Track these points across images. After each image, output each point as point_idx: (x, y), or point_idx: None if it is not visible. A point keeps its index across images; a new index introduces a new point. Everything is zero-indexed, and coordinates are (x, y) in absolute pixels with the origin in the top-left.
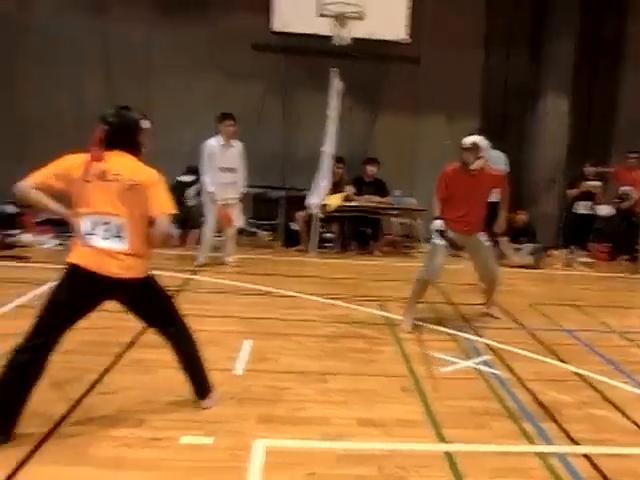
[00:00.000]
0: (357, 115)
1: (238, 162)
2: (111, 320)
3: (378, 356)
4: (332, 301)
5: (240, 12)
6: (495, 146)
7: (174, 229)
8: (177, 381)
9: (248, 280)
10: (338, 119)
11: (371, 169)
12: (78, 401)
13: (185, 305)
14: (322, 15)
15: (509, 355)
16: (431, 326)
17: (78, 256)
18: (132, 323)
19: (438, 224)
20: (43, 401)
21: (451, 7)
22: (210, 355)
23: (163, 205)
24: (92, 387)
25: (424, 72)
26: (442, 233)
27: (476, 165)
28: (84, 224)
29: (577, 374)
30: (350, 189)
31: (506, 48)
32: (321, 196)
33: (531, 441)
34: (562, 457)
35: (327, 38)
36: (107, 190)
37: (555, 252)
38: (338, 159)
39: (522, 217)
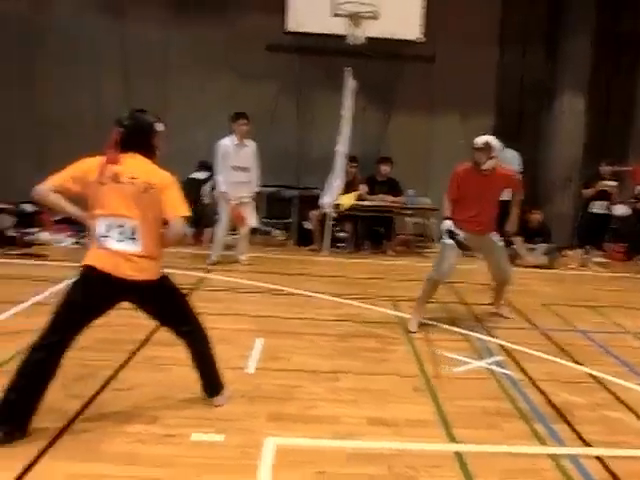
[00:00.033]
0: (371, 114)
1: (252, 161)
2: (125, 318)
3: (390, 355)
4: (345, 300)
5: (255, 13)
6: (510, 145)
7: (188, 229)
8: (190, 379)
9: (261, 279)
10: (352, 119)
11: (384, 168)
12: (92, 397)
13: (198, 303)
14: (336, 15)
15: (522, 355)
16: (444, 326)
17: (93, 258)
18: (146, 321)
19: (448, 224)
20: (58, 397)
21: (466, 5)
22: (222, 353)
23: (177, 208)
24: (106, 384)
25: (438, 71)
26: (452, 234)
27: (488, 165)
28: (99, 226)
29: (591, 375)
30: (363, 188)
31: (522, 46)
32: (334, 195)
33: (543, 442)
34: (574, 459)
35: (341, 38)
36: (122, 192)
37: (570, 252)
38: (351, 158)
39: (537, 217)
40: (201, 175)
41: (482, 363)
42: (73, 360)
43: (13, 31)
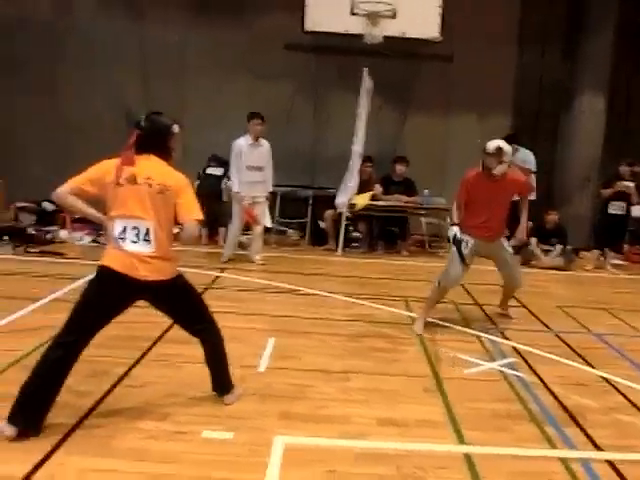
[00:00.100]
0: (387, 114)
1: (266, 161)
2: (140, 315)
3: (401, 356)
4: (357, 300)
5: (272, 13)
6: (528, 145)
7: (201, 230)
8: (202, 376)
9: (275, 278)
10: (368, 118)
11: (400, 168)
12: (105, 394)
13: (212, 302)
14: (354, 14)
15: (534, 358)
16: (456, 327)
17: (109, 259)
18: (160, 318)
19: (455, 231)
20: (72, 393)
21: (485, 4)
22: (234, 352)
23: (192, 211)
24: (119, 380)
25: (456, 70)
26: (457, 244)
27: (498, 170)
28: (115, 227)
29: (604, 379)
30: (378, 188)
31: (541, 45)
32: (349, 195)
33: (553, 445)
34: (584, 462)
35: (358, 37)
36: (137, 194)
37: (587, 254)
38: (367, 158)
39: (553, 217)
40: (218, 171)
41: (494, 365)
42: (87, 357)
43: (34, 35)
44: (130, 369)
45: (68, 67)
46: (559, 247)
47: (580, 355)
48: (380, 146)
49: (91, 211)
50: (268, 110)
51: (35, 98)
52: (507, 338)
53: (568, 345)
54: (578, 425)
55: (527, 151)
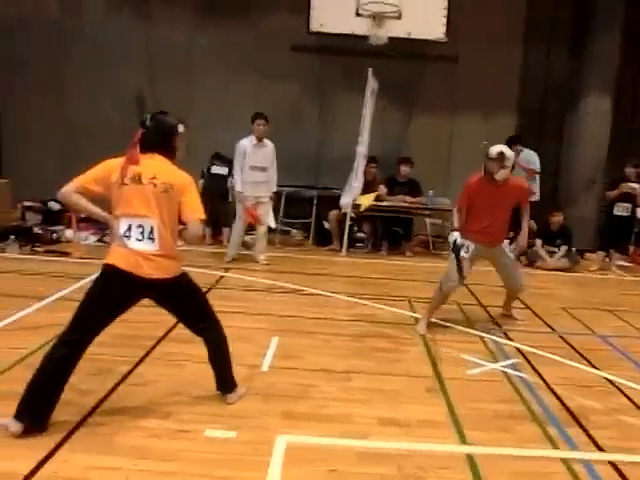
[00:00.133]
0: (392, 115)
1: (270, 161)
2: (144, 315)
3: (404, 356)
4: (361, 300)
5: (278, 14)
6: (531, 146)
7: (205, 229)
8: (205, 375)
9: (279, 278)
10: (373, 119)
11: (405, 169)
12: (109, 392)
13: (216, 302)
14: (360, 15)
15: (538, 359)
16: (459, 327)
17: (114, 257)
18: (164, 317)
19: (455, 236)
20: (76, 391)
21: (490, 4)
22: (238, 351)
23: (195, 210)
24: (123, 379)
25: (461, 71)
26: (456, 250)
27: (500, 175)
28: (120, 226)
29: (608, 380)
30: (382, 189)
31: (546, 45)
32: (353, 196)
33: (555, 446)
34: (586, 463)
35: (363, 38)
36: (142, 193)
37: (592, 255)
38: (371, 159)
39: (558, 219)
40: (222, 170)
41: (497, 365)
42: (91, 355)
43: (43, 36)
44: (134, 368)
45: (75, 67)
46: (564, 248)
47: (584, 356)
48: (385, 147)
49: (96, 210)
50: (274, 110)
51: (42, 98)
52: (510, 339)
53: (572, 346)
54: (581, 426)
55: (531, 152)
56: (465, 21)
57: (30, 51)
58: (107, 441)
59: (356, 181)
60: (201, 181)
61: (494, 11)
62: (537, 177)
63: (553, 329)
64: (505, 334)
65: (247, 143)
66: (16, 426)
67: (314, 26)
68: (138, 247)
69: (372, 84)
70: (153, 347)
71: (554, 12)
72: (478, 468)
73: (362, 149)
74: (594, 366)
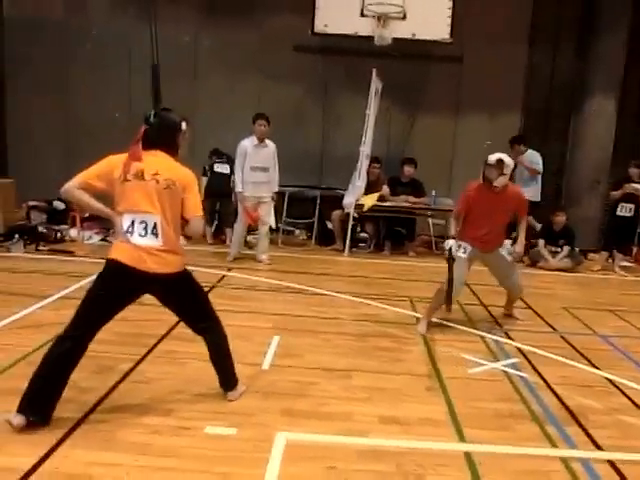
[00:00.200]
0: (396, 115)
1: (271, 162)
2: (146, 313)
3: (405, 355)
4: (363, 300)
5: (282, 14)
6: (534, 146)
7: (206, 227)
8: (206, 373)
9: (281, 278)
10: (376, 119)
11: (408, 169)
12: (111, 389)
13: (218, 300)
14: (364, 15)
15: (538, 358)
16: (460, 327)
17: (117, 252)
18: (166, 316)
19: (451, 244)
20: (78, 388)
21: (495, 4)
22: (239, 349)
23: (196, 207)
24: (125, 376)
25: (466, 71)
26: (451, 262)
27: (499, 182)
28: (123, 222)
29: (608, 380)
30: (385, 189)
31: (552, 46)
32: (356, 196)
33: (554, 445)
34: (585, 462)
35: (367, 38)
36: (145, 189)
37: (595, 255)
38: (374, 159)
39: (561, 219)
40: (225, 169)
41: (497, 365)
42: (93, 353)
43: (48, 36)
44: (136, 365)
45: (80, 67)
46: (567, 249)
47: (584, 356)
48: (388, 147)
49: (99, 205)
50: (277, 111)
51: (47, 98)
52: (511, 339)
53: (573, 346)
54: (580, 425)
55: (534, 152)
56: (470, 21)
57: (35, 51)
58: (108, 437)
59: (359, 181)
60: (203, 178)
61: (499, 11)
62: (539, 177)
63: (554, 329)
64: (506, 334)
65: (248, 143)
66: (18, 418)
67: (318, 27)
68: (141, 242)
69: (376, 84)
70: (155, 345)
71: (559, 12)
72: (476, 466)
73: (365, 149)
74: (595, 366)
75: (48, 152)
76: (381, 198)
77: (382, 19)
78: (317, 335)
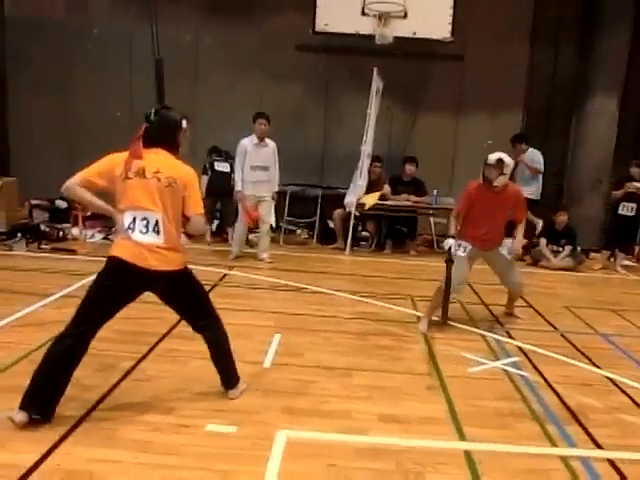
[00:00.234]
0: (397, 114)
1: (271, 161)
2: (147, 311)
3: (405, 354)
4: (364, 299)
5: (283, 13)
6: (535, 145)
7: (206, 226)
8: (207, 372)
9: (282, 276)
10: (378, 118)
11: (410, 168)
12: (112, 387)
13: (220, 299)
14: (365, 14)
15: (539, 357)
16: (461, 326)
17: (119, 249)
18: (167, 314)
19: (451, 243)
20: (80, 386)
21: (497, 3)
22: (240, 348)
23: (197, 205)
24: (126, 374)
25: (467, 70)
26: (450, 263)
27: (499, 182)
28: (124, 219)
29: (609, 379)
30: (386, 188)
31: (554, 44)
32: (358, 195)
33: (554, 444)
34: (584, 460)
35: (369, 37)
36: (146, 187)
37: (597, 255)
38: (376, 158)
39: (563, 218)
40: (225, 167)
41: (498, 364)
42: (95, 351)
43: (49, 35)
44: (137, 363)
45: (82, 67)
46: (568, 248)
47: (585, 355)
48: (390, 146)
49: (100, 203)
50: (278, 110)
51: (49, 97)
52: (512, 337)
53: (574, 345)
54: (580, 424)
55: (536, 151)
56: (471, 20)
57: (36, 51)
58: (109, 435)
59: (360, 180)
60: (204, 177)
61: (500, 10)
62: (540, 176)
63: (555, 328)
64: (507, 332)
65: (248, 142)
66: (20, 415)
67: (319, 26)
68: (142, 239)
69: (377, 83)
70: (156, 343)
71: (561, 10)
72: (476, 464)
73: (367, 148)
74: (595, 365)
75: (50, 151)
76: (382, 197)
77: (383, 18)
78: (317, 333)
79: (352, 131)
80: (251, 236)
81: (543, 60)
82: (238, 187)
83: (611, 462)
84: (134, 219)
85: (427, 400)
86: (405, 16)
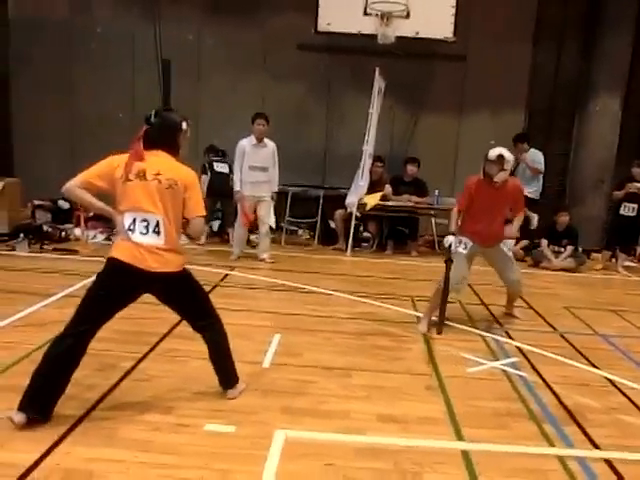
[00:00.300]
0: (399, 114)
1: (270, 161)
2: (148, 311)
3: (405, 354)
4: (364, 299)
5: (286, 13)
6: (536, 145)
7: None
8: (207, 372)
9: (282, 277)
10: (380, 118)
11: (411, 169)
12: (112, 387)
13: (220, 299)
14: (367, 14)
15: (538, 358)
16: (461, 326)
17: (118, 251)
18: (167, 315)
19: (451, 240)
20: (80, 385)
21: (499, 3)
22: (240, 348)
23: (197, 208)
24: (126, 374)
25: (470, 70)
26: (449, 262)
27: (499, 178)
28: (125, 221)
29: (608, 379)
30: (388, 188)
31: (556, 44)
32: (359, 195)
33: (551, 444)
34: (581, 460)
35: (371, 37)
36: (147, 189)
37: (598, 255)
38: (377, 158)
39: (564, 219)
40: (224, 168)
41: (497, 364)
42: (95, 351)
43: (52, 35)
44: (137, 363)
45: (85, 67)
46: (570, 248)
47: (584, 356)
48: (392, 146)
49: (100, 204)
50: (280, 110)
51: (52, 98)
52: (511, 338)
53: (573, 346)
54: (578, 424)
55: (537, 151)
56: (474, 20)
57: (40, 51)
58: (109, 434)
59: (362, 180)
60: (204, 177)
61: (503, 10)
62: (540, 177)
63: (555, 328)
64: (506, 333)
65: (246, 143)
66: (19, 416)
67: (322, 25)
68: (142, 240)
69: (379, 83)
70: (157, 343)
71: (564, 10)
72: (473, 464)
73: (368, 148)
74: (594, 365)
75: (53, 151)
76: (384, 197)
77: (385, 17)
78: (317, 334)
79: (354, 131)
80: (252, 237)
81: (545, 60)
82: (237, 187)
83: (608, 462)
84: (134, 220)
85: (426, 400)
86: (407, 16)
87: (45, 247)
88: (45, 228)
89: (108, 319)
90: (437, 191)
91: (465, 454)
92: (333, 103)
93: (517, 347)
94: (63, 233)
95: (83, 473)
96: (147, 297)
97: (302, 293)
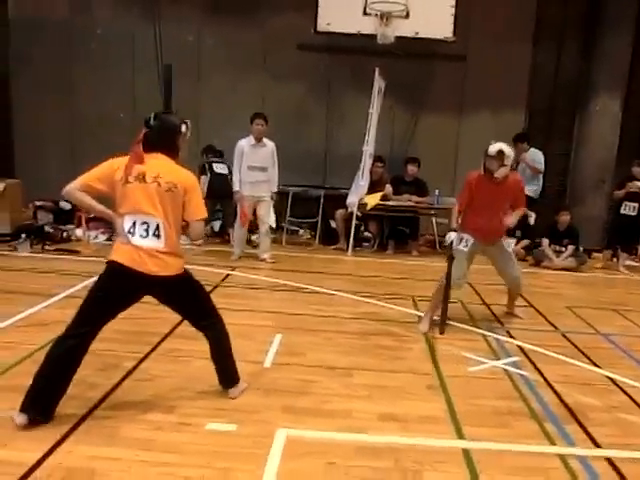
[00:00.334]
0: (399, 114)
1: (269, 161)
2: (150, 311)
3: (406, 354)
4: (365, 299)
5: (285, 13)
6: (536, 144)
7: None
8: (209, 371)
9: (284, 277)
10: (380, 118)
11: (412, 169)
12: (114, 386)
13: (221, 299)
14: (367, 14)
15: (539, 357)
16: (462, 326)
17: (118, 254)
18: (169, 315)
19: (453, 237)
20: (82, 385)
21: (499, 3)
22: (241, 347)
23: (197, 211)
24: (129, 373)
25: (469, 70)
26: (451, 260)
27: (500, 173)
28: (124, 223)
29: (609, 378)
30: (388, 188)
31: (556, 44)
32: (360, 195)
33: (552, 442)
34: (582, 459)
35: (371, 37)
36: (146, 191)
37: (599, 255)
38: (377, 158)
39: (565, 218)
40: (224, 169)
41: (498, 363)
42: (98, 351)
43: (53, 36)
44: (139, 363)
45: (85, 67)
46: (571, 248)
47: (586, 355)
48: (392, 146)
49: (100, 207)
50: (280, 110)
51: (53, 98)
52: (513, 337)
53: (574, 345)
54: (579, 423)
55: (537, 151)
56: (473, 20)
57: (40, 51)
58: (111, 433)
59: (362, 180)
60: (203, 178)
61: (503, 10)
62: (540, 176)
63: (556, 328)
64: (508, 332)
65: (245, 143)
66: (20, 417)
67: (321, 25)
68: (142, 243)
69: (379, 83)
70: (159, 343)
71: (564, 10)
72: (474, 462)
73: (369, 148)
74: (595, 364)
75: (53, 152)
76: (384, 197)
77: (385, 17)
78: (319, 333)
79: (354, 131)
80: (253, 237)
81: (546, 60)
82: (236, 187)
83: (610, 461)
84: (134, 223)
85: (427, 399)
86: (407, 16)
87: (47, 248)
88: (47, 229)
89: (108, 321)
90: (437, 191)
91: (466, 453)
92: (333, 103)
93: (518, 346)
94: (65, 234)
95: (85, 472)
96: (148, 297)
97: (304, 293)
